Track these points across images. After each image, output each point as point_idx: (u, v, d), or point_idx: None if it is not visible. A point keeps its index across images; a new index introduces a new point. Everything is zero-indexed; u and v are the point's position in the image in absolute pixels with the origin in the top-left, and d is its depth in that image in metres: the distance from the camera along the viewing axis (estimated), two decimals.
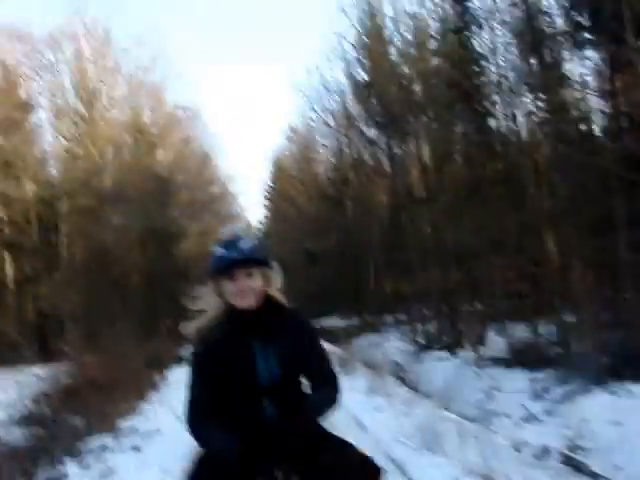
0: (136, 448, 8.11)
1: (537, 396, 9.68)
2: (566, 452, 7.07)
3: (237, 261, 2.46)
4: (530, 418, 8.81)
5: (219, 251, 2.53)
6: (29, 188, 28.40)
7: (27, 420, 11.19)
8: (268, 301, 2.55)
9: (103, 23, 28.78)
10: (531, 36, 12.69)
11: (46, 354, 24.11)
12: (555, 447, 7.24)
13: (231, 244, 2.52)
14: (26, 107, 29.82)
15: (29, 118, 30.39)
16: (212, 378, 2.47)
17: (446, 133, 17.47)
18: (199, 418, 2.45)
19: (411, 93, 20.60)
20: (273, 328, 2.51)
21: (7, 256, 28.97)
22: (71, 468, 7.44)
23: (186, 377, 2.54)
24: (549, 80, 13.31)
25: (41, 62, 28.62)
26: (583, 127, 14.21)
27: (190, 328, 2.64)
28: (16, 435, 9.88)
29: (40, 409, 12.04)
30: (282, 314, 2.57)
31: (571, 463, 6.78)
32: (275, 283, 2.59)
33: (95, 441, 8.86)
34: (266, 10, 78.55)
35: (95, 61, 29.00)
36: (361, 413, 8.69)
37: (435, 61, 19.63)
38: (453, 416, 8.40)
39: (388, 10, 22.97)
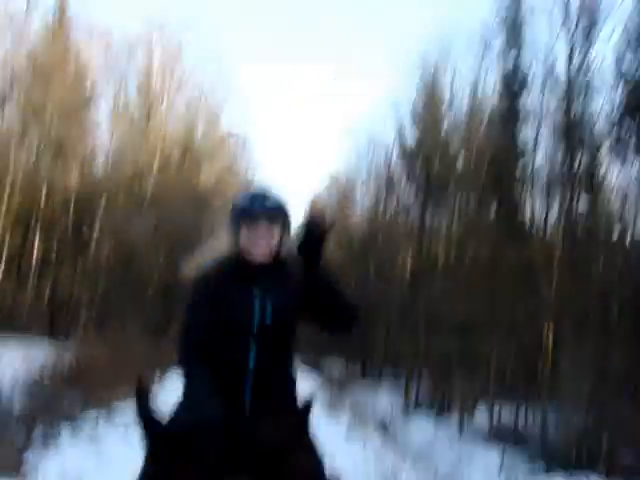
0: (125, 425, 8.76)
1: (503, 470, 10.19)
2: None
3: (264, 214, 2.50)
4: None
5: (247, 199, 2.57)
6: (74, 178, 29.39)
7: (30, 388, 11.90)
8: (276, 256, 2.58)
9: (176, 37, 30.17)
10: (570, 139, 13.40)
11: (54, 335, 24.90)
12: None
13: (257, 197, 2.57)
14: (89, 101, 31.09)
15: (90, 112, 31.65)
16: (207, 317, 2.50)
17: (478, 212, 18.12)
18: (192, 360, 2.46)
19: (454, 167, 21.42)
20: (275, 278, 2.54)
21: (38, 237, 29.86)
22: (65, 430, 8.17)
23: (183, 313, 2.56)
24: (583, 182, 14.00)
25: (112, 62, 29.97)
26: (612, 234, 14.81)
27: (195, 262, 2.62)
28: (19, 400, 10.59)
29: (42, 382, 12.73)
30: (287, 267, 2.58)
31: None
32: (288, 244, 2.59)
33: (89, 414, 9.60)
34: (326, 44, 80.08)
35: (162, 73, 30.33)
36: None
37: (481, 140, 20.39)
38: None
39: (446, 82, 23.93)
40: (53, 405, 9.91)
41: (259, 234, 2.51)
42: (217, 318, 2.47)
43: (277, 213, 2.55)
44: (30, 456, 6.75)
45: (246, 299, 2.50)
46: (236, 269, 2.54)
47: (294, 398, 2.53)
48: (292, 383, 2.59)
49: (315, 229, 2.54)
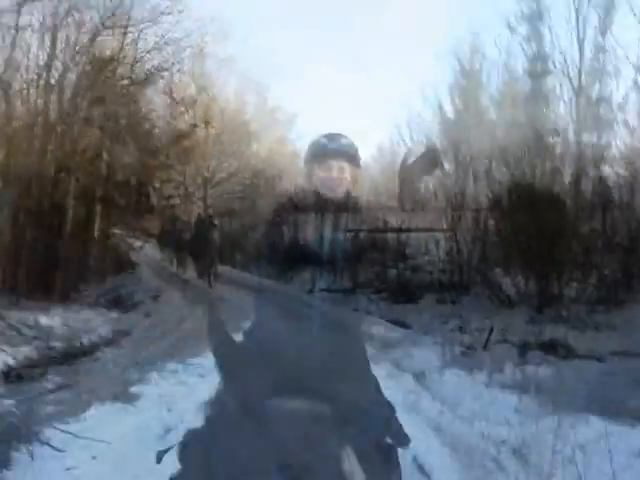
0: None
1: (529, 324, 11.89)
2: None
3: (334, 151, 2.64)
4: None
5: (321, 140, 2.71)
6: (135, 156, 31.15)
7: None
8: (349, 195, 2.72)
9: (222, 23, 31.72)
10: None
11: None
12: None
13: (333, 137, 2.71)
14: (145, 84, 32.78)
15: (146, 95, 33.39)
16: (281, 237, 2.67)
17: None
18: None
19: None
20: (347, 211, 2.67)
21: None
22: None
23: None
24: None
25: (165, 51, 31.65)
26: None
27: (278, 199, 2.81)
28: None
29: None
30: (358, 208, 2.73)
31: None
32: (360, 184, 2.75)
33: None
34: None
35: (214, 54, 31.98)
36: None
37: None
38: None
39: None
40: None
41: (332, 171, 2.68)
42: (292, 240, 2.68)
43: (348, 151, 2.72)
44: None
45: (317, 232, 2.67)
46: (311, 202, 2.72)
47: None
48: None
49: None
